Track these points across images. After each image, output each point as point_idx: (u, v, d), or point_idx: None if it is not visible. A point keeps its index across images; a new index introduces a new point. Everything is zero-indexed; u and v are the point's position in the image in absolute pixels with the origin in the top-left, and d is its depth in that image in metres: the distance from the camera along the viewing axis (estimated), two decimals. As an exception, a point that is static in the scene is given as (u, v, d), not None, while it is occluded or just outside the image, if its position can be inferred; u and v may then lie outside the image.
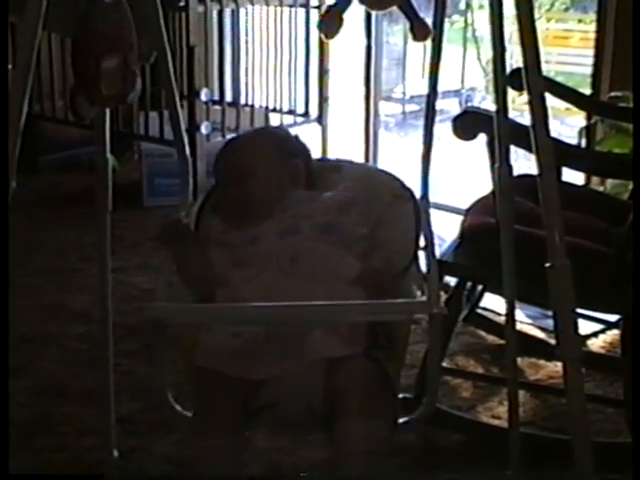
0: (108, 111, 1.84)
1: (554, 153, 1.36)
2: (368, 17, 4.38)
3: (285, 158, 1.87)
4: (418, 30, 1.43)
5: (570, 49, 7.98)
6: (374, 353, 1.66)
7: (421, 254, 1.77)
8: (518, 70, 1.39)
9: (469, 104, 7.53)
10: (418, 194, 1.89)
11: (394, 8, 1.42)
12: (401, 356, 1.77)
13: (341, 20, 1.40)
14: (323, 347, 1.62)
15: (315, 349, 1.62)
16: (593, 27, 3.87)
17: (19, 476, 1.82)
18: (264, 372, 1.62)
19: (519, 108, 4.42)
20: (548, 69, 7.26)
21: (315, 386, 1.62)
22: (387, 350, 1.71)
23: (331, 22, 1.40)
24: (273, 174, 1.84)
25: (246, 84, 4.34)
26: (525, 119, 1.38)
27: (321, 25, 1.41)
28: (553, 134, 1.45)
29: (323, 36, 1.42)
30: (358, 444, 1.54)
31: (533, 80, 1.35)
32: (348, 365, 1.61)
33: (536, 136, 1.35)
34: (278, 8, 4.30)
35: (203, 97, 3.84)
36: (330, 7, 1.42)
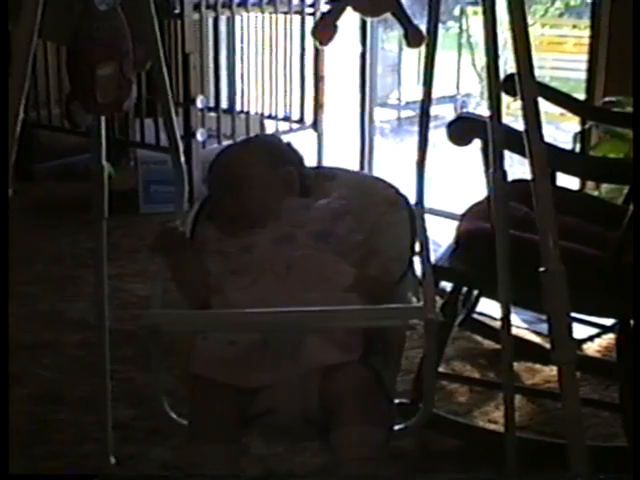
0: (104, 118, 1.84)
1: (548, 158, 1.36)
2: (363, 24, 4.39)
3: (278, 166, 1.87)
4: (412, 36, 1.43)
5: (565, 55, 8.00)
6: (370, 360, 1.65)
7: (417, 261, 1.78)
8: (512, 76, 1.40)
9: (464, 110, 7.54)
10: (413, 200, 1.90)
11: (388, 15, 1.43)
12: (397, 362, 1.77)
13: (335, 27, 1.40)
14: (319, 354, 1.61)
15: (311, 357, 1.61)
16: (587, 33, 3.88)
17: (19, 476, 1.82)
18: (260, 380, 1.61)
19: (514, 113, 4.43)
20: (543, 74, 7.27)
21: (311, 393, 1.61)
22: (383, 356, 1.71)
23: (325, 29, 1.40)
24: (266, 182, 1.84)
25: (241, 91, 4.35)
26: (520, 124, 1.39)
27: (315, 32, 1.42)
28: (548, 139, 1.46)
29: (317, 43, 1.42)
30: (354, 451, 1.53)
31: (526, 86, 1.35)
32: (344, 372, 1.60)
33: (529, 141, 1.35)
34: (273, 15, 4.31)
35: (199, 104, 3.85)
36: (324, 14, 1.42)
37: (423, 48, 1.62)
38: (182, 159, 1.88)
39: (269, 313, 1.51)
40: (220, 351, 1.66)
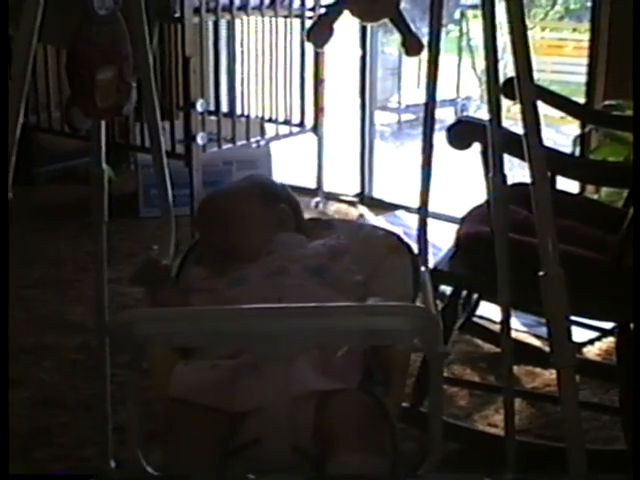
0: (104, 122, 1.84)
1: (548, 162, 1.37)
2: (363, 27, 4.39)
3: (270, 203, 1.85)
4: (410, 44, 1.43)
5: (565, 58, 8.01)
6: (369, 388, 1.56)
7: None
8: (511, 79, 1.41)
9: (464, 113, 7.54)
10: (417, 204, 1.89)
11: (387, 19, 1.43)
12: (399, 391, 1.67)
13: (331, 30, 1.40)
14: (312, 380, 1.50)
15: (303, 381, 1.47)
16: (587, 36, 3.88)
17: (19, 476, 1.82)
18: (244, 403, 1.49)
19: (514, 117, 4.43)
20: (543, 78, 7.28)
21: (304, 422, 1.46)
22: (384, 386, 1.60)
23: (321, 31, 1.40)
24: (258, 217, 1.82)
25: (242, 95, 4.35)
26: (519, 128, 1.39)
27: (310, 34, 1.42)
28: (548, 142, 1.46)
29: (312, 45, 1.42)
30: None
31: (525, 89, 1.36)
32: (340, 398, 1.48)
33: (528, 145, 1.36)
34: (273, 19, 4.31)
35: (199, 108, 3.84)
36: (320, 16, 1.42)
37: (423, 53, 1.62)
38: (165, 162, 1.87)
39: (257, 308, 1.36)
40: (202, 374, 1.56)
